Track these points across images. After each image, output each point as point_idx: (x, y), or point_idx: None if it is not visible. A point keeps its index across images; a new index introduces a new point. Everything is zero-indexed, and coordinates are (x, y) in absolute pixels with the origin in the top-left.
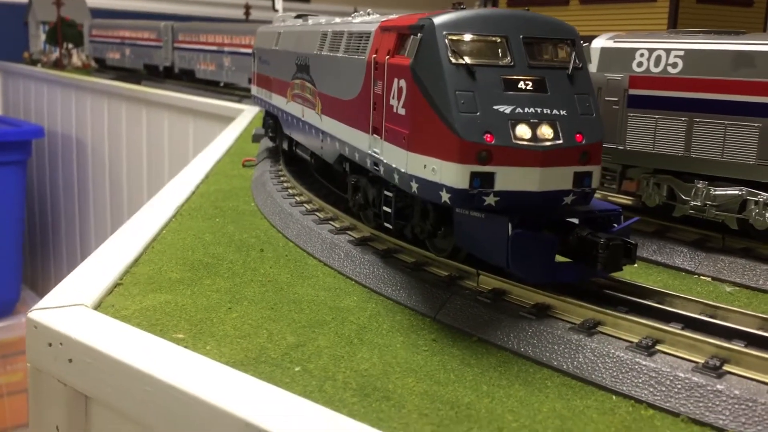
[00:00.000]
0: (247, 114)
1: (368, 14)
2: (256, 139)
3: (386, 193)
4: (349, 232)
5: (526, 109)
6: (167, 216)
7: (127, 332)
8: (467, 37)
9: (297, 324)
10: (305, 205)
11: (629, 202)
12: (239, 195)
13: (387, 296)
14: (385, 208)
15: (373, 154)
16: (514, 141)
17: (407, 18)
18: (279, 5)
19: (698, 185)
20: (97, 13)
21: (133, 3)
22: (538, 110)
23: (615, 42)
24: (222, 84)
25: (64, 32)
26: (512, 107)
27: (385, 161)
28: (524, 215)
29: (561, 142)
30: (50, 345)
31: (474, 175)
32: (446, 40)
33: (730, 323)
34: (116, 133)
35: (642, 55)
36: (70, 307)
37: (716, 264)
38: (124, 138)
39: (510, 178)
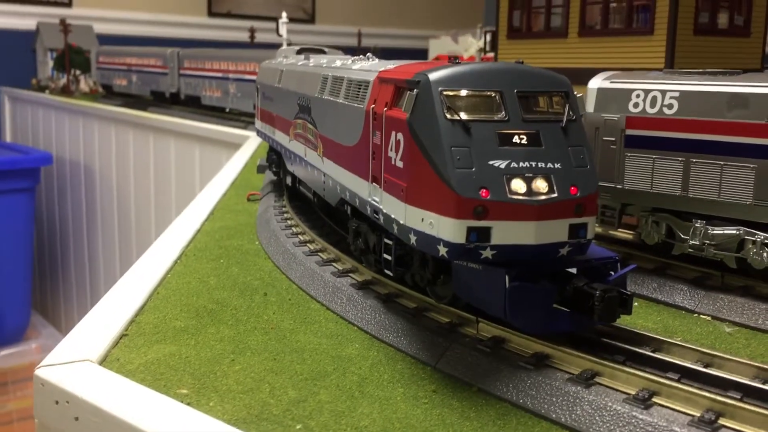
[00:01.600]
0: (252, 141)
1: (368, 59)
2: (261, 170)
3: (386, 240)
4: (351, 275)
5: (521, 164)
6: (173, 258)
7: (132, 390)
8: (462, 92)
9: (299, 377)
10: (308, 245)
11: (629, 237)
12: (244, 233)
13: (388, 343)
14: (385, 256)
15: (373, 202)
16: (509, 196)
17: (404, 70)
18: (283, 30)
19: (696, 224)
20: (105, 39)
21: (140, 28)
22: (533, 164)
23: (611, 82)
24: (228, 110)
25: (71, 59)
26: (507, 162)
27: (384, 211)
28: (521, 267)
29: (556, 195)
30: (57, 403)
31: (471, 230)
32: (441, 96)
33: (726, 373)
34: (124, 159)
35: (638, 95)
36: (76, 363)
37: (716, 303)
38: (132, 164)
39: (506, 232)
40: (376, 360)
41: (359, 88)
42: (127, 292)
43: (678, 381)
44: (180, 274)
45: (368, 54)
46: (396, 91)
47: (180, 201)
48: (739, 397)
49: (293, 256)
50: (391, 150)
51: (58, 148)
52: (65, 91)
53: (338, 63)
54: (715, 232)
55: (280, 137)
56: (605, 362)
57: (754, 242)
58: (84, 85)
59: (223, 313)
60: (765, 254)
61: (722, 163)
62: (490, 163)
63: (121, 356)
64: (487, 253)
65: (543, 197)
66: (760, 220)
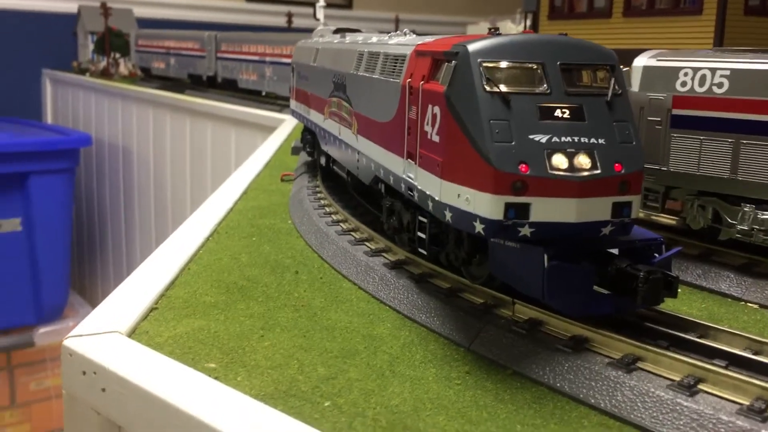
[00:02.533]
0: (287, 124)
1: (405, 34)
2: (295, 151)
3: (421, 218)
4: (384, 255)
5: (563, 138)
6: (205, 235)
7: (159, 362)
8: (502, 64)
9: (329, 354)
10: (341, 224)
11: (673, 222)
12: (276, 212)
13: (421, 323)
14: (419, 234)
15: (408, 179)
16: (550, 171)
17: (442, 42)
18: (321, 14)
19: (745, 209)
20: (144, 23)
21: (178, 12)
22: (575, 139)
23: (658, 60)
24: (264, 93)
25: (111, 42)
26: (548, 136)
27: (419, 187)
28: (561, 246)
29: (599, 171)
30: (84, 373)
31: (508, 206)
32: (481, 68)
33: None
34: (161, 142)
35: (686, 74)
36: (104, 334)
37: (764, 290)
38: (169, 146)
39: (546, 209)
40: (408, 340)
41: (396, 63)
42: (158, 267)
43: (725, 368)
44: (212, 251)
45: (405, 30)
46: (433, 64)
47: (216, 183)
48: None
49: (325, 235)
50: (428, 124)
51: (97, 130)
52: (105, 73)
53: (374, 39)
54: (765, 216)
55: (315, 116)
56: (648, 347)
57: None
58: (123, 68)
59: (254, 290)
60: None
61: None
62: (531, 137)
63: (150, 329)
64: (526, 231)
65: (585, 173)
66: None
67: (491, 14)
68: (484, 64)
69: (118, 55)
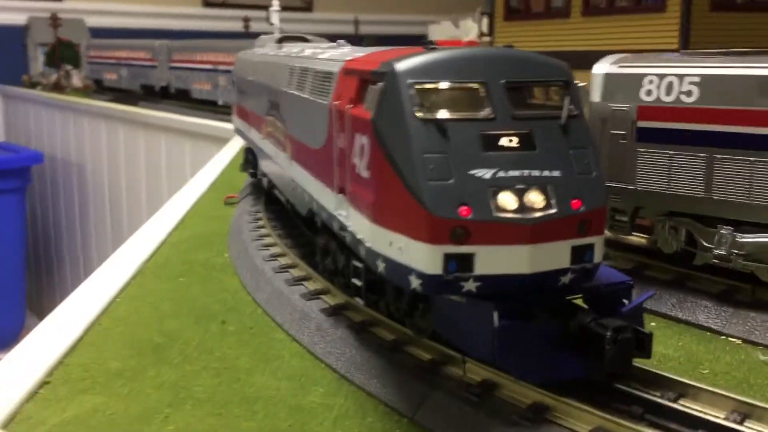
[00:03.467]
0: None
1: (338, 45)
2: (245, 168)
3: (355, 263)
4: (322, 297)
5: (510, 172)
6: (127, 277)
7: None
8: (437, 85)
9: None
10: (279, 259)
11: (643, 241)
12: (213, 244)
13: (359, 386)
14: (354, 281)
15: (340, 217)
16: (495, 214)
17: (372, 59)
18: (275, 18)
19: (722, 231)
20: (98, 32)
21: (133, 20)
22: (525, 173)
23: (620, 67)
24: (220, 103)
25: (62, 53)
26: (493, 171)
27: (350, 229)
28: (513, 300)
29: (554, 211)
30: None
31: (448, 258)
32: (411, 91)
33: (764, 429)
34: (115, 156)
35: (651, 81)
36: None
37: (746, 322)
38: (123, 160)
39: (493, 260)
40: (342, 410)
41: (324, 81)
42: (61, 325)
43: None
44: (131, 298)
45: (339, 40)
46: (360, 85)
47: (173, 196)
48: None
49: (262, 272)
50: (356, 156)
51: (49, 146)
52: (57, 87)
53: (308, 52)
54: (745, 240)
55: (254, 135)
56: (620, 421)
57: None
58: (76, 80)
59: (170, 350)
60: None
61: (752, 159)
62: (472, 172)
63: (34, 414)
64: (470, 286)
65: (538, 214)
66: None
67: (453, 12)
68: (416, 86)
69: (69, 67)
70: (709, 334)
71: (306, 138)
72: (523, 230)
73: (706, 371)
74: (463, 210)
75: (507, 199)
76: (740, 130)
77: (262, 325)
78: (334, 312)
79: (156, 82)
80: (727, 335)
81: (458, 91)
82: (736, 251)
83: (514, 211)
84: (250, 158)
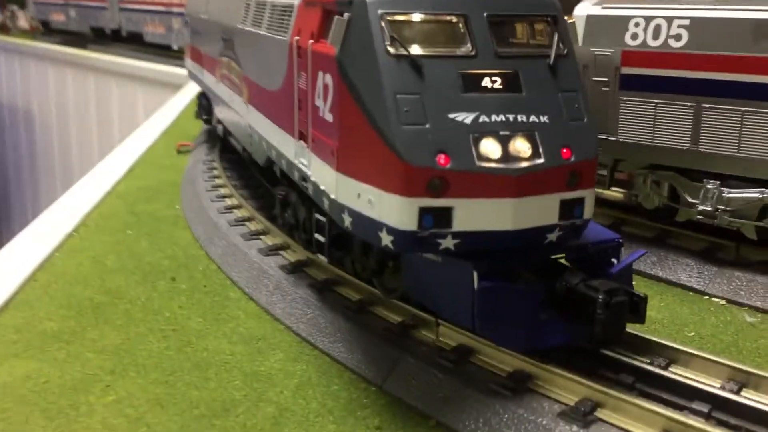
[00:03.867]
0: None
1: None
2: (200, 115)
3: (318, 216)
4: (281, 253)
5: (494, 117)
6: (67, 230)
7: None
8: (412, 17)
9: (194, 411)
10: (235, 211)
11: (620, 196)
12: (164, 194)
13: (323, 350)
14: (317, 236)
15: (300, 165)
16: (478, 163)
17: None
18: None
19: (708, 186)
20: None
21: None
22: (510, 117)
23: (603, 8)
24: (175, 48)
25: None
26: (474, 115)
27: (313, 179)
28: (495, 259)
29: (542, 161)
30: None
31: (424, 212)
32: (382, 23)
33: (763, 399)
34: (63, 102)
35: (637, 24)
36: None
37: (730, 282)
38: (72, 106)
39: (474, 214)
40: (305, 378)
41: (282, 15)
42: None
43: (708, 416)
44: (72, 252)
45: None
46: (324, 17)
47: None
48: None
49: (216, 226)
50: (319, 98)
51: None
52: (2, 28)
53: None
54: (731, 195)
55: (208, 79)
56: (609, 390)
57: None
58: (23, 21)
59: (114, 309)
60: None
61: (743, 109)
62: (451, 116)
63: None
64: (448, 243)
65: (525, 164)
66: None
67: None
68: (387, 18)
69: (15, 8)
70: (691, 293)
71: (263, 80)
72: (508, 182)
73: (692, 334)
74: (441, 158)
75: (490, 147)
76: (732, 78)
77: (215, 283)
78: (294, 269)
79: (106, 24)
80: (711, 295)
81: (435, 24)
82: (723, 207)
83: (498, 161)
84: (204, 103)
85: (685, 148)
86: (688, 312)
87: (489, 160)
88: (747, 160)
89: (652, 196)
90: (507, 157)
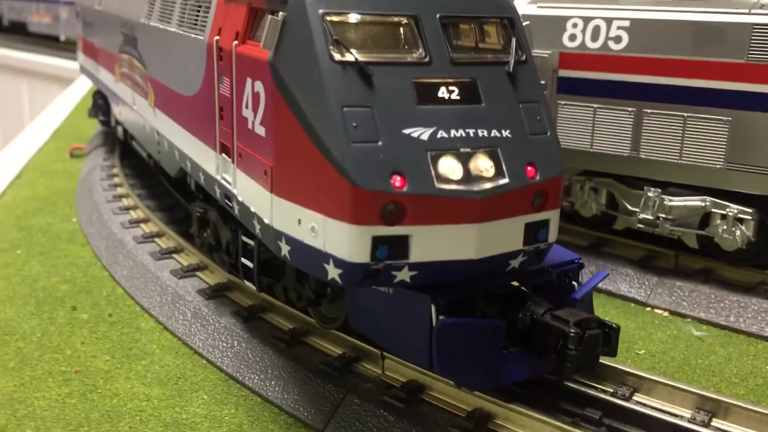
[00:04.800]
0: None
1: None
2: (95, 115)
3: (246, 240)
4: (198, 275)
5: (453, 132)
6: None
7: None
8: (357, 18)
9: None
10: (142, 225)
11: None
12: (58, 205)
13: (252, 389)
14: (244, 261)
15: (224, 182)
16: (437, 185)
17: None
18: None
19: (649, 194)
20: None
21: None
22: (471, 132)
23: (539, 8)
24: (62, 39)
25: None
26: (432, 130)
27: (239, 198)
28: (454, 292)
29: (506, 181)
30: None
31: (378, 242)
32: (324, 24)
33: (734, 429)
34: None
35: (575, 25)
36: None
37: (672, 292)
38: None
39: (433, 243)
40: (234, 425)
41: (198, 11)
42: None
43: None
44: None
45: None
46: (251, 15)
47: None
48: None
49: (120, 242)
50: (246, 107)
51: None
52: None
53: None
54: (673, 203)
55: (105, 76)
56: (575, 430)
57: (723, 217)
58: None
59: (4, 348)
60: (738, 232)
61: (686, 114)
62: (406, 132)
63: None
64: (404, 275)
65: (488, 184)
66: (733, 189)
67: None
68: (329, 19)
69: None
70: (633, 305)
71: (174, 82)
72: (471, 206)
73: (642, 351)
74: (396, 180)
75: (450, 166)
76: (674, 83)
77: (123, 311)
78: (215, 294)
79: None
80: (653, 306)
81: (383, 26)
82: (664, 215)
83: (459, 182)
84: (100, 102)
85: (625, 154)
86: (634, 326)
87: (449, 181)
88: (689, 167)
89: (590, 203)
90: (469, 177)
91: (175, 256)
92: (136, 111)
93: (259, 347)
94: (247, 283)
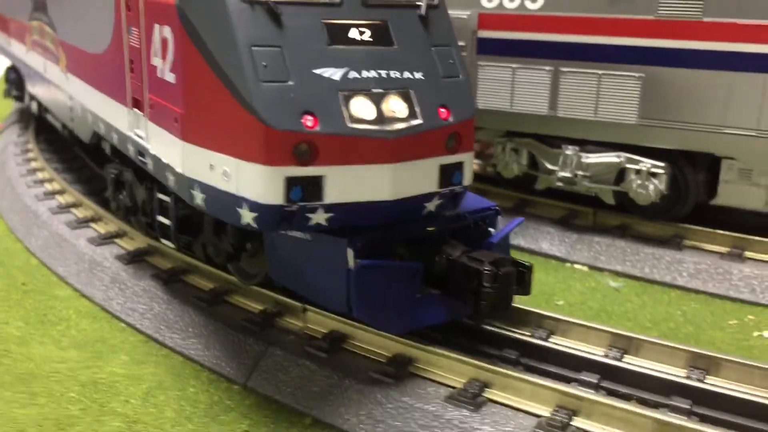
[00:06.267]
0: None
1: None
2: (9, 92)
3: (161, 196)
4: (117, 242)
5: (365, 73)
6: None
7: None
8: None
9: None
10: (57, 197)
11: (480, 168)
12: None
13: (173, 348)
14: (160, 219)
15: (136, 138)
16: (349, 125)
17: None
18: None
19: (567, 152)
20: None
21: None
22: (383, 73)
23: None
24: None
25: None
26: (343, 70)
27: (152, 152)
28: (372, 235)
29: (420, 121)
30: None
31: (292, 182)
32: None
33: (646, 363)
34: None
35: None
36: None
37: (591, 248)
38: None
39: (348, 184)
40: (154, 382)
41: None
42: None
43: (598, 386)
44: None
45: None
46: None
47: None
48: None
49: (35, 214)
50: (156, 55)
51: None
52: None
53: None
54: (590, 160)
55: (17, 48)
56: (496, 368)
57: (638, 172)
58: None
59: None
60: (651, 186)
61: (600, 72)
62: (317, 71)
63: None
64: (319, 218)
65: (401, 125)
66: (646, 144)
67: None
68: None
69: None
70: (554, 261)
71: (84, 41)
72: (385, 145)
73: (561, 302)
74: (307, 120)
75: (363, 107)
76: (588, 41)
77: (38, 281)
78: (133, 259)
79: None
80: (573, 262)
81: None
82: (582, 172)
83: (372, 122)
84: (13, 78)
85: (543, 114)
86: (554, 281)
87: (362, 121)
88: (604, 124)
89: (511, 164)
90: (381, 118)
91: (92, 224)
92: (48, 79)
93: (180, 308)
94: (165, 242)
